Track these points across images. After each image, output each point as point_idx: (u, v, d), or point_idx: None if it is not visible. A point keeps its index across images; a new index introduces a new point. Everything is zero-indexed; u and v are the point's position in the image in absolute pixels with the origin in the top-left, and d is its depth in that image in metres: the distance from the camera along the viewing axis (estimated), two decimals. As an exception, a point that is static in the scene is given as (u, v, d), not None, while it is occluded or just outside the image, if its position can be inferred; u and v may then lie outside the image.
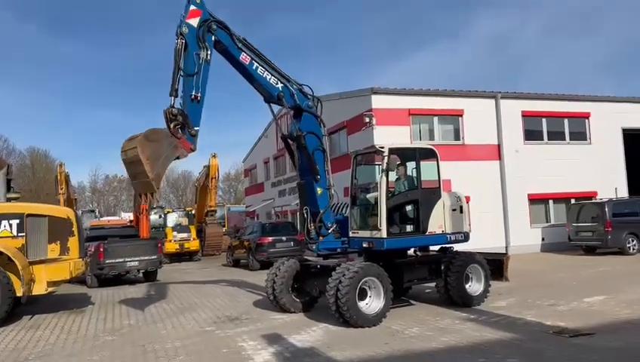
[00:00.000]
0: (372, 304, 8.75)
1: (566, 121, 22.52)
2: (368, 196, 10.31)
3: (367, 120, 19.60)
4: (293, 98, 9.89)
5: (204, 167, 27.79)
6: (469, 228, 10.46)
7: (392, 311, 9.10)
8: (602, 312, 8.88)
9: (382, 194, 9.22)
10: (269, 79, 9.63)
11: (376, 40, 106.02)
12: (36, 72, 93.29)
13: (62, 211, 11.80)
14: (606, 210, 18.72)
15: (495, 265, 10.86)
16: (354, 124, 20.96)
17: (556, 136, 22.34)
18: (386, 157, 9.31)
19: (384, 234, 9.19)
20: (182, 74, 8.61)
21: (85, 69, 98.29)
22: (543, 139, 22.08)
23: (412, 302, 10.60)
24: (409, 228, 9.88)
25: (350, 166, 10.70)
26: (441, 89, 20.93)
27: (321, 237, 10.02)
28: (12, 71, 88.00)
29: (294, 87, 9.94)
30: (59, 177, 24.98)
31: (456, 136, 20.86)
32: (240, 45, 9.35)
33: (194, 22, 8.83)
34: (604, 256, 18.58)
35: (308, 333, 8.28)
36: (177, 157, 8.72)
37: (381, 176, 9.37)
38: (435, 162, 10.11)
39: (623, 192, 22.09)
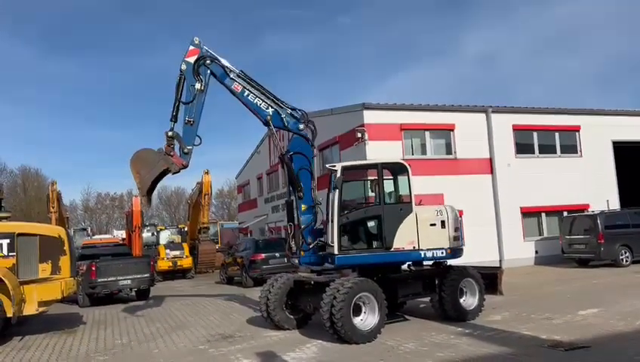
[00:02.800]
0: (367, 320, 8.70)
1: (557, 134, 22.70)
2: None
3: (359, 135, 19.66)
4: (283, 121, 10.56)
5: (197, 183, 27.72)
6: (458, 243, 9.93)
7: (386, 327, 9.05)
8: (597, 325, 8.87)
9: (334, 211, 9.47)
10: (260, 104, 10.54)
11: (367, 57, 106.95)
12: (27, 90, 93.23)
13: (53, 230, 11.70)
14: (598, 222, 18.79)
15: (489, 279, 10.83)
16: (346, 139, 21.02)
17: (547, 149, 22.49)
18: (334, 175, 9.69)
19: (335, 251, 9.33)
20: (180, 102, 10.35)
21: (76, 87, 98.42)
22: (534, 153, 22.22)
23: (407, 317, 10.55)
24: (369, 244, 9.77)
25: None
26: (432, 104, 21.08)
27: (302, 252, 10.16)
28: (3, 89, 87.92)
29: (286, 111, 10.61)
30: (50, 196, 24.80)
31: (448, 151, 20.96)
32: (233, 76, 10.54)
33: (192, 59, 10.45)
34: (598, 268, 18.62)
35: (302, 350, 8.21)
36: (168, 170, 10.20)
37: (333, 193, 9.65)
38: (406, 176, 9.83)
39: (615, 204, 22.20)
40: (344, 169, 9.72)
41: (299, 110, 10.72)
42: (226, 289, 19.17)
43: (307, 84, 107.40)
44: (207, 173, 26.18)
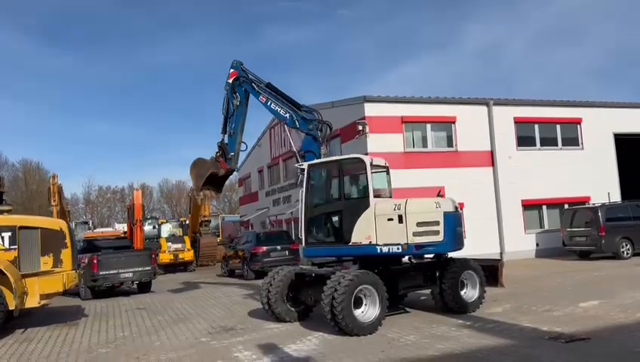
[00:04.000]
0: (368, 312, 8.72)
1: (558, 126, 22.66)
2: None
3: (360, 128, 19.64)
4: (295, 123, 11.86)
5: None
6: (424, 239, 9.25)
7: (387, 319, 9.08)
8: (597, 317, 8.89)
9: (301, 207, 10.31)
10: (279, 110, 12.24)
11: (368, 50, 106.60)
12: (29, 83, 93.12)
13: (55, 223, 11.72)
14: (599, 214, 18.79)
15: (490, 271, 10.82)
16: (347, 132, 20.99)
17: (549, 142, 22.46)
18: (301, 174, 10.54)
19: (303, 244, 10.24)
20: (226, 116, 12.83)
21: (78, 81, 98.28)
22: (535, 145, 22.19)
23: (408, 309, 10.58)
24: (330, 238, 10.15)
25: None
26: (433, 96, 21.02)
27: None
28: (3, 82, 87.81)
29: (299, 114, 11.87)
30: (52, 189, 24.82)
31: (450, 143, 20.93)
32: (259, 89, 12.49)
33: (231, 80, 12.81)
34: (598, 260, 18.63)
35: (303, 343, 8.23)
36: (215, 173, 12.78)
37: (300, 190, 10.44)
38: (365, 172, 9.74)
39: (616, 197, 22.19)
40: (310, 166, 10.49)
41: (313, 112, 11.81)
42: (228, 282, 19.23)
43: (308, 77, 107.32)
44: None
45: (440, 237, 9.29)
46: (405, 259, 10.40)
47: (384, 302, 8.83)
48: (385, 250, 9.37)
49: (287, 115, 12.02)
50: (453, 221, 9.60)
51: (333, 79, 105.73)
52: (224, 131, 12.84)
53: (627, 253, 18.57)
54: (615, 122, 23.28)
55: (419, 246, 9.25)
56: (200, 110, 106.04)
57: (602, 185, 22.08)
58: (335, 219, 10.17)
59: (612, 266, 16.66)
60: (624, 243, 18.62)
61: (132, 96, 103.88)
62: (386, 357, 7.09)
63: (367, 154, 19.03)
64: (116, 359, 7.94)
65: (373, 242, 9.44)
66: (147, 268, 16.58)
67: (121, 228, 39.42)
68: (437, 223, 9.29)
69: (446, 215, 9.40)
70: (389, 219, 9.36)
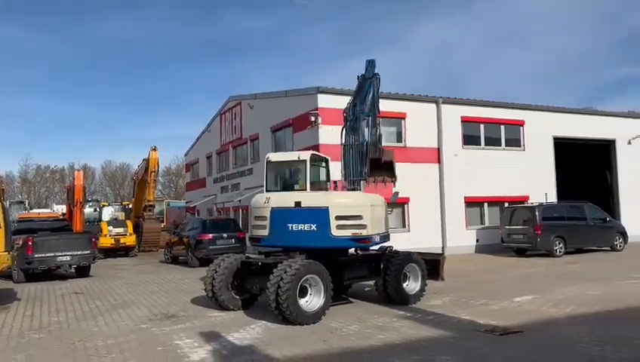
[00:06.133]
0: (312, 301, 8.79)
1: (502, 127, 23.47)
2: None
3: (313, 119, 19.65)
4: None
5: (144, 160, 27.04)
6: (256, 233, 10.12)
7: (331, 309, 9.17)
8: (531, 311, 9.31)
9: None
10: None
11: (324, 41, 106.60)
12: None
13: (-13, 201, 11.11)
14: (536, 213, 19.65)
15: (432, 265, 11.12)
16: (300, 122, 20.96)
17: (493, 141, 23.24)
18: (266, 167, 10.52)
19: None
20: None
21: (17, 52, 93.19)
22: (480, 145, 22.91)
23: (351, 299, 10.72)
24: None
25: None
26: (386, 92, 21.26)
27: None
28: None
29: None
30: (-16, 166, 23.59)
31: (399, 139, 21.28)
32: None
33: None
34: (534, 257, 19.50)
35: (247, 331, 8.20)
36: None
37: None
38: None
39: (553, 197, 23.27)
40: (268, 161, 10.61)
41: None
42: (171, 269, 18.89)
43: (262, 64, 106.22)
44: (154, 149, 25.61)
45: (266, 232, 9.84)
46: (352, 250, 10.53)
47: (329, 292, 8.92)
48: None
49: None
50: (280, 217, 9.68)
51: (287, 67, 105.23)
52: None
53: (560, 251, 19.51)
54: (555, 126, 24.37)
55: (251, 238, 10.35)
56: (149, 91, 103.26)
57: (540, 186, 23.07)
58: None
59: (546, 263, 17.49)
60: (558, 242, 19.55)
61: (77, 71, 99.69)
62: (328, 346, 7.17)
63: (318, 145, 19.13)
64: (50, 345, 7.64)
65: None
66: (86, 252, 16.02)
67: (60, 209, 37.94)
68: (264, 218, 9.86)
69: (273, 211, 9.74)
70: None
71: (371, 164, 11.51)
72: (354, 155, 10.75)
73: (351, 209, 9.49)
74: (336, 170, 10.97)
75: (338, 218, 9.33)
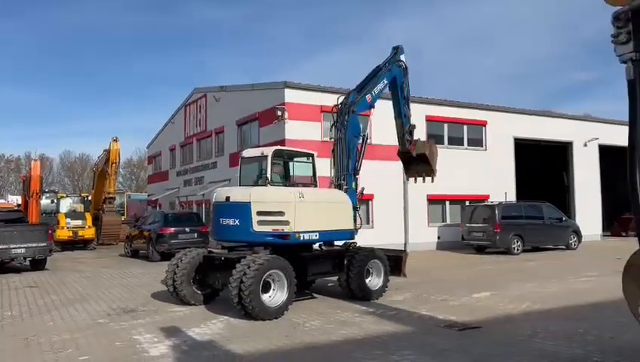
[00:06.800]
0: (275, 297, 8.76)
1: (465, 127, 23.93)
2: None
3: (280, 113, 19.57)
4: None
5: (104, 151, 26.44)
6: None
7: (294, 304, 9.18)
8: (488, 307, 9.54)
9: None
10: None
11: (293, 36, 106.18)
12: None
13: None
14: (496, 212, 20.13)
15: (394, 261, 11.26)
16: (266, 116, 20.84)
17: (456, 141, 23.68)
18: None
19: None
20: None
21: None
22: (443, 144, 23.26)
23: (315, 295, 10.76)
24: None
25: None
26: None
27: None
28: None
29: None
30: None
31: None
32: None
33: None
34: (493, 255, 19.99)
35: (208, 326, 8.12)
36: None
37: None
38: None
39: (512, 197, 23.89)
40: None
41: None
42: (131, 263, 18.53)
43: (228, 56, 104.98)
44: (115, 140, 25.09)
45: (210, 227, 10.19)
46: (316, 246, 10.56)
47: (292, 287, 8.91)
48: None
49: None
50: (217, 211, 9.86)
51: (253, 60, 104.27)
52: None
53: (518, 249, 20.05)
54: (516, 127, 25.01)
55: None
56: (111, 80, 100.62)
57: (500, 185, 23.64)
58: None
59: (504, 261, 17.95)
60: (516, 240, 20.09)
61: (35, 59, 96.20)
62: (290, 341, 7.17)
63: (284, 140, 19.08)
64: (1, 340, 7.38)
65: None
66: (42, 245, 15.56)
67: (15, 200, 36.72)
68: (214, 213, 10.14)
69: (214, 205, 10.02)
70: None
71: (404, 160, 12.27)
72: (342, 150, 10.83)
73: (272, 205, 9.33)
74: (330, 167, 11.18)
75: (259, 213, 9.20)
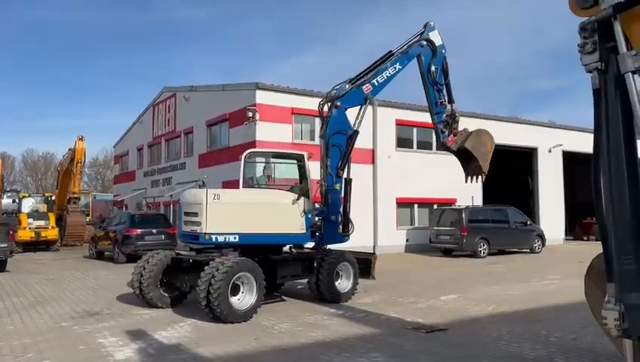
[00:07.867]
0: (244, 299, 8.69)
1: (434, 132, 24.19)
2: None
3: (251, 114, 19.49)
4: None
5: (69, 150, 25.86)
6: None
7: (263, 307, 9.12)
8: (455, 309, 9.68)
9: None
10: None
11: (266, 36, 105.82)
12: None
13: None
14: (463, 216, 20.47)
15: (363, 264, 11.31)
16: (237, 117, 20.70)
17: (424, 145, 23.99)
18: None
19: None
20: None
21: None
22: (412, 147, 23.58)
23: (284, 297, 10.72)
24: None
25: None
26: (324, 91, 21.39)
27: None
28: None
29: None
30: None
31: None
32: None
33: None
34: (459, 258, 20.30)
35: (175, 329, 8.00)
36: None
37: None
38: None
39: (479, 201, 24.33)
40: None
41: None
42: (96, 265, 18.15)
43: (200, 56, 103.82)
44: (81, 139, 24.61)
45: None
46: (286, 248, 10.53)
47: (261, 290, 8.85)
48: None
49: None
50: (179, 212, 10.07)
51: (225, 60, 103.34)
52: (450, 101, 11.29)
53: (484, 253, 20.42)
54: (483, 133, 25.42)
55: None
56: (77, 78, 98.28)
57: (468, 189, 23.90)
58: None
59: (470, 264, 18.26)
60: (482, 244, 20.46)
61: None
62: (259, 344, 7.12)
63: (255, 141, 18.99)
64: (-42, 344, 7.12)
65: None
66: (3, 245, 15.17)
67: (-26, 199, 35.45)
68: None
69: (179, 206, 10.21)
70: None
71: (456, 155, 11.61)
72: (323, 149, 10.73)
73: (190, 206, 9.60)
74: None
75: (185, 214, 9.60)
